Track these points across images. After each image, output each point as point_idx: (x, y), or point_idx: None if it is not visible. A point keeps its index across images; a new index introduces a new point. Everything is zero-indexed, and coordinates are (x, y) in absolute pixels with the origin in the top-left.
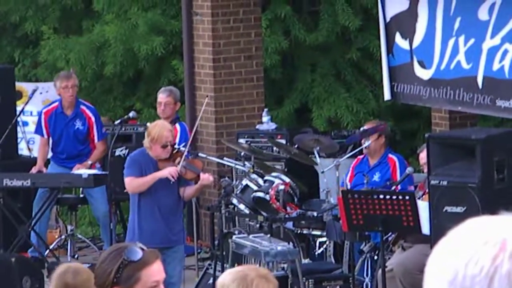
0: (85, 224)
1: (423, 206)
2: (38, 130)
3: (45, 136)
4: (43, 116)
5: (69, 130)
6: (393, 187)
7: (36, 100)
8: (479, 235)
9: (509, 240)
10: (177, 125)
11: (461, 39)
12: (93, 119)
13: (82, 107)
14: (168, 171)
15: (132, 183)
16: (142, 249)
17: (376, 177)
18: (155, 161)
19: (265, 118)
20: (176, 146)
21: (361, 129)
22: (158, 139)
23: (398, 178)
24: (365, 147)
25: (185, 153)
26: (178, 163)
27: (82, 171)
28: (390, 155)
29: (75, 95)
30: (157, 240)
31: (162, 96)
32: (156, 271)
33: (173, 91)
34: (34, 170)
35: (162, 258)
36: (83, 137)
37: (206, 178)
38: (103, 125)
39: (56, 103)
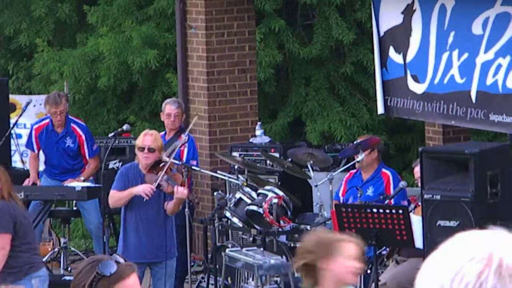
0: (78, 237)
1: (416, 220)
2: (29, 145)
3: (36, 151)
4: (33, 132)
5: (59, 147)
6: (387, 201)
7: (30, 112)
8: (465, 251)
9: (494, 255)
10: (183, 136)
11: (455, 53)
12: (83, 137)
13: (73, 125)
14: (142, 189)
15: (113, 197)
16: (118, 262)
17: (369, 192)
18: (143, 175)
19: (258, 132)
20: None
21: (355, 142)
22: (138, 143)
23: (392, 192)
24: (358, 162)
25: (166, 167)
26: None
27: (75, 183)
28: (383, 170)
29: (65, 115)
30: (142, 255)
31: (172, 108)
32: (131, 284)
33: (181, 103)
34: (28, 182)
35: (151, 273)
36: (74, 154)
37: (180, 191)
38: (94, 142)
39: (47, 120)
